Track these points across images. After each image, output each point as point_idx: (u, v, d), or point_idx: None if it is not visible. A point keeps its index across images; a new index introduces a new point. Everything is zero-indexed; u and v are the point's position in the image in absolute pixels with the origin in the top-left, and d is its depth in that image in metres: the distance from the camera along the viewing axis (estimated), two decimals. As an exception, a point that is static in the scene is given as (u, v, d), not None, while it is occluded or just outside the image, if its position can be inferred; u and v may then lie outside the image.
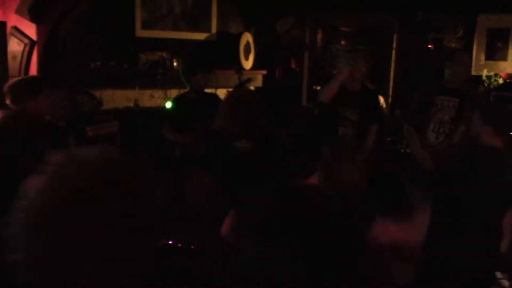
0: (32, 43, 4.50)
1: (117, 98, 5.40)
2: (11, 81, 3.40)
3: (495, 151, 2.90)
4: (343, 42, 7.02)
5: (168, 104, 4.85)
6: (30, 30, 4.50)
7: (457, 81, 3.99)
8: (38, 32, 4.55)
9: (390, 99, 6.32)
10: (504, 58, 6.03)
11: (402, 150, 5.07)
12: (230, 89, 5.31)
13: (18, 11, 4.39)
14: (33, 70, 4.55)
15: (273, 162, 3.08)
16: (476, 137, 3.03)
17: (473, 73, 5.94)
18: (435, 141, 4.02)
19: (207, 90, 5.78)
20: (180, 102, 4.63)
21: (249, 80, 4.89)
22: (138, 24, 5.57)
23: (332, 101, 3.93)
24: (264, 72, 6.27)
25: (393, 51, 6.44)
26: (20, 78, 3.86)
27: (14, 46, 4.43)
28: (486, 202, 2.80)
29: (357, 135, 3.95)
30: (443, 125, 3.99)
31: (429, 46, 6.22)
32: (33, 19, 4.45)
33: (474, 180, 2.86)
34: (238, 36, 5.97)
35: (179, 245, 3.61)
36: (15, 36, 4.45)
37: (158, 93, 5.64)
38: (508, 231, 2.85)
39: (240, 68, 5.53)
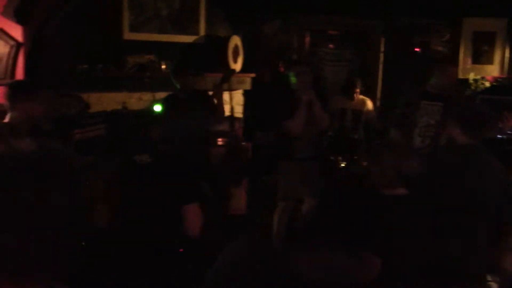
0: (18, 45, 4.43)
1: (104, 101, 5.35)
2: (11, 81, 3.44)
3: (460, 149, 2.98)
4: (330, 46, 7.04)
5: (157, 107, 4.82)
6: (16, 32, 4.43)
7: (441, 89, 4.09)
8: (24, 34, 4.49)
9: (378, 102, 6.35)
10: (490, 61, 6.11)
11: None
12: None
13: (4, 13, 4.32)
14: (19, 72, 4.48)
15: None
16: (450, 137, 3.11)
17: (460, 76, 6.02)
18: (421, 144, 4.08)
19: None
20: (170, 102, 4.64)
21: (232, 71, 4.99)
22: (125, 26, 5.52)
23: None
24: (253, 75, 6.26)
25: (380, 55, 6.48)
26: (16, 80, 3.89)
27: (1, 48, 4.36)
28: (458, 200, 2.82)
29: None
30: (429, 129, 4.05)
31: (416, 49, 6.27)
32: (19, 21, 4.39)
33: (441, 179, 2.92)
34: (227, 39, 5.95)
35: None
36: (1, 38, 4.38)
37: (146, 96, 5.60)
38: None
39: (231, 71, 5.49)
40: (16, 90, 3.05)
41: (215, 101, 4.85)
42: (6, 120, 2.99)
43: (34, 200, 0.84)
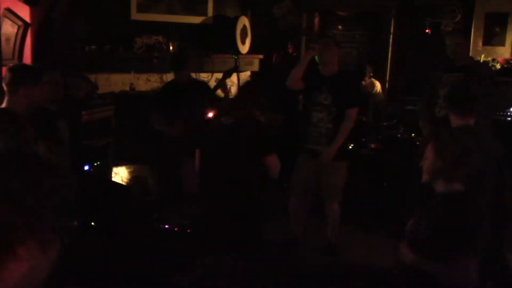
0: (26, 25, 4.43)
1: (112, 82, 5.35)
2: (14, 64, 3.36)
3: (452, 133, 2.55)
4: (340, 27, 6.97)
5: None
6: (24, 12, 4.43)
7: (459, 58, 4.06)
8: (32, 14, 4.48)
9: (387, 84, 6.30)
10: (502, 43, 6.01)
11: (399, 136, 5.05)
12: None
13: (12, -7, 4.31)
14: (27, 53, 4.49)
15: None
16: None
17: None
18: (437, 114, 4.00)
19: (203, 75, 5.77)
20: (169, 88, 4.63)
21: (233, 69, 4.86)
22: (133, 7, 5.49)
23: (307, 86, 3.98)
24: (261, 56, 6.23)
25: (390, 36, 6.41)
26: (19, 64, 3.81)
27: (8, 28, 4.36)
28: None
29: (332, 119, 3.89)
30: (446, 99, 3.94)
31: (427, 30, 6.19)
32: (27, 1, 4.38)
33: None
34: (235, 20, 5.91)
35: (176, 229, 3.61)
36: (9, 18, 4.37)
37: (154, 77, 5.60)
38: None
39: (233, 68, 5.21)
40: (21, 75, 2.93)
41: (222, 92, 4.80)
42: (4, 105, 2.86)
43: None
